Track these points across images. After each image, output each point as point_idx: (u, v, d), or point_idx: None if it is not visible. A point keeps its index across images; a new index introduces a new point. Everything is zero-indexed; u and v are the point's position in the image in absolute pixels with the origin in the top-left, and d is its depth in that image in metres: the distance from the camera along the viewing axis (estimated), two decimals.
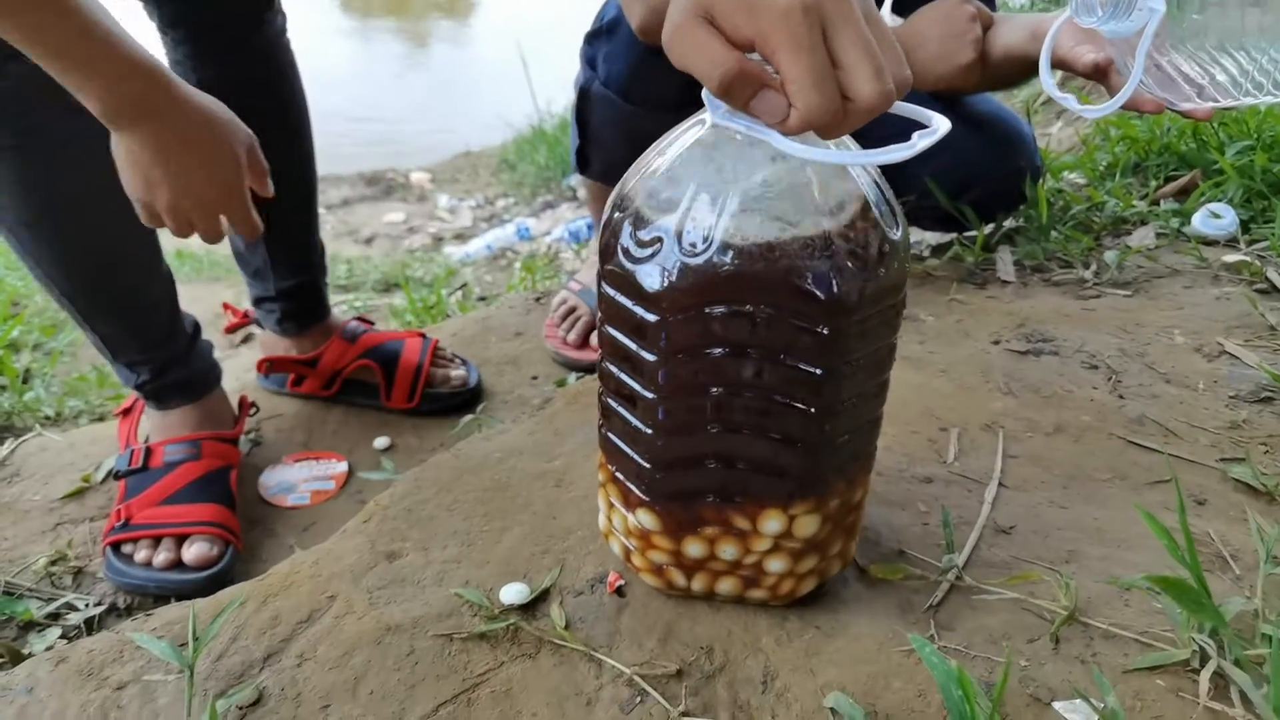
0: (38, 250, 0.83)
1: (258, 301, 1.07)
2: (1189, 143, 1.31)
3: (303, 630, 0.58)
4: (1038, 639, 0.54)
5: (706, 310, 0.46)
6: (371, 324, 1.14)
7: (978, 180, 1.08)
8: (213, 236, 0.75)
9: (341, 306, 2.27)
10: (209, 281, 2.61)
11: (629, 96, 1.01)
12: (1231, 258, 1.05)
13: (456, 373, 1.11)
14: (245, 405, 1.01)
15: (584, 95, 1.07)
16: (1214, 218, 1.12)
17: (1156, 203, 1.25)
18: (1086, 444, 0.74)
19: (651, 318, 0.47)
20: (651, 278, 0.46)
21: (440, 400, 1.08)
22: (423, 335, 1.14)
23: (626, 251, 0.48)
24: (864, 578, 0.60)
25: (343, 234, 3.98)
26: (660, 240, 0.46)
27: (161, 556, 0.83)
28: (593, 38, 1.04)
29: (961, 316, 0.97)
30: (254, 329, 1.13)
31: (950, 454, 0.73)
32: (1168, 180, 1.30)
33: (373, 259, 3.29)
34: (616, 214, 0.49)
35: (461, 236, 3.87)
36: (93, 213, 0.81)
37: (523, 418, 0.82)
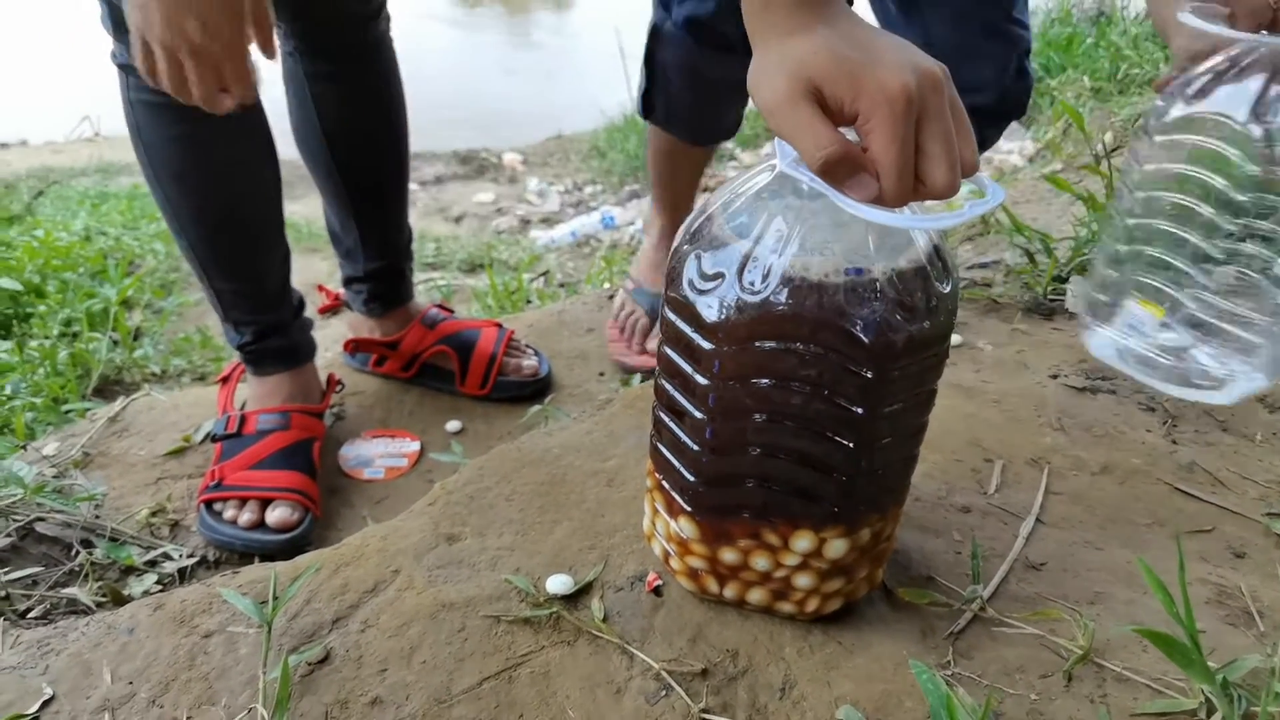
0: (179, 200, 0.90)
1: (348, 282, 1.15)
2: None
3: (368, 599, 0.64)
4: (1051, 675, 0.56)
5: (759, 344, 0.50)
6: (451, 311, 1.21)
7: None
8: (208, 96, 0.73)
9: (428, 284, 2.36)
10: (306, 252, 2.75)
11: (700, 37, 1.02)
12: None
13: (528, 363, 1.17)
14: (333, 382, 1.09)
15: (654, 34, 1.07)
16: None
17: (1244, 239, 1.22)
18: (1132, 487, 0.75)
19: (707, 346, 0.51)
20: (711, 310, 0.50)
21: (511, 389, 1.14)
22: (499, 325, 1.20)
23: (691, 283, 0.52)
24: (891, 599, 0.63)
25: (433, 211, 4.11)
26: (722, 276, 0.50)
27: (246, 517, 0.91)
28: None
29: (1023, 348, 0.98)
30: (344, 310, 1.21)
31: (992, 486, 0.75)
32: (1258, 216, 1.27)
33: (460, 238, 3.39)
34: (685, 245, 0.53)
35: (548, 221, 3.95)
36: (237, 178, 0.89)
37: (583, 416, 0.87)
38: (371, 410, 1.14)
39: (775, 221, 0.50)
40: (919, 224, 0.47)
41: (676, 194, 1.25)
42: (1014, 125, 3.57)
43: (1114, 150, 1.93)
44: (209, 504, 0.93)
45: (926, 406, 0.55)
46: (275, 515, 0.92)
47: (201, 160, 0.87)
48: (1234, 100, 0.76)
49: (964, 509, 0.72)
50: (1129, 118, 2.26)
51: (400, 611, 0.62)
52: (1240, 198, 0.78)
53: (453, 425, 1.11)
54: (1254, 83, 0.75)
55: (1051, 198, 1.99)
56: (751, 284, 0.49)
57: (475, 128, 4.97)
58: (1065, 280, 1.13)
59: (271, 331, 0.99)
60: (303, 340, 1.03)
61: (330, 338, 1.60)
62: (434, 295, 2.15)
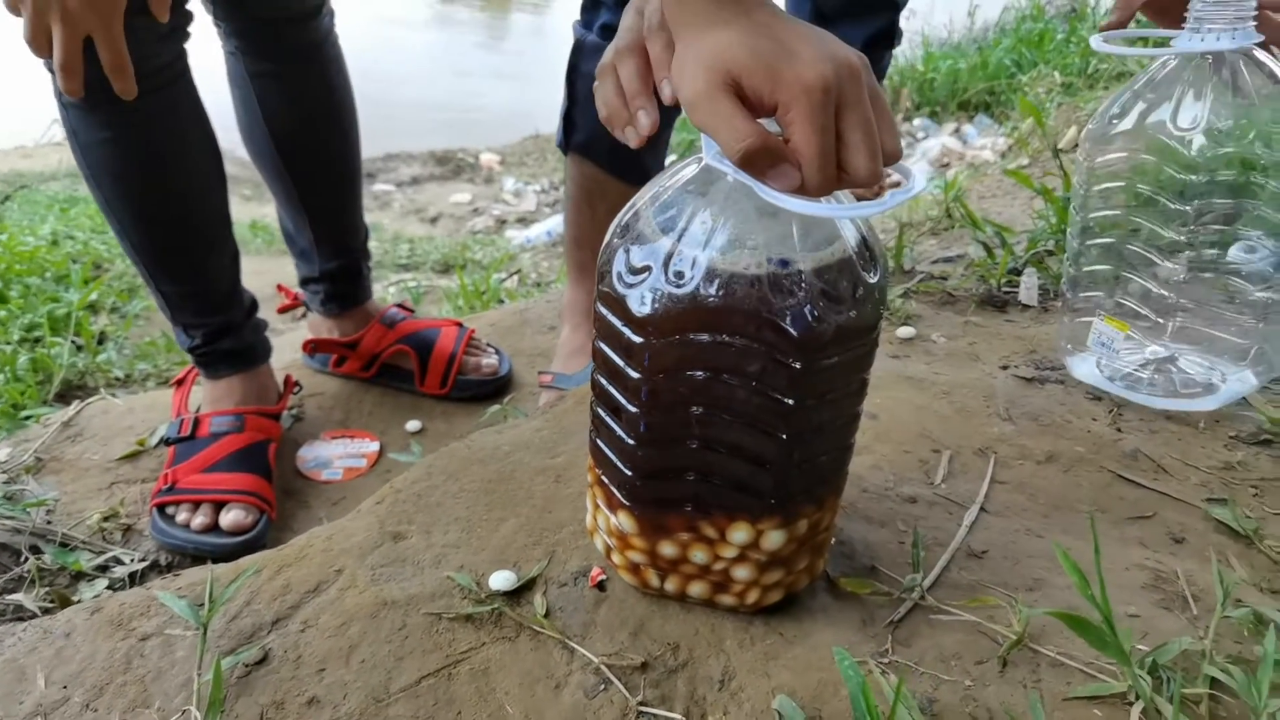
0: (117, 202, 0.89)
1: (304, 282, 1.14)
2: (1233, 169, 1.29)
3: (309, 599, 0.64)
4: (986, 661, 0.56)
5: (688, 336, 0.50)
6: (411, 311, 1.21)
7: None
8: (69, 63, 0.70)
9: (400, 286, 2.36)
10: (278, 255, 2.73)
11: None
12: (1263, 293, 1.04)
13: (488, 361, 1.17)
14: (290, 383, 1.08)
15: (577, 48, 1.03)
16: (1250, 250, 1.10)
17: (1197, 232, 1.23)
18: (1075, 475, 0.75)
19: (637, 339, 0.51)
20: (640, 303, 0.50)
21: (471, 387, 1.14)
22: (459, 324, 1.19)
23: (620, 276, 0.52)
24: (833, 590, 0.63)
25: (409, 212, 4.10)
26: (649, 268, 0.50)
27: (199, 520, 0.91)
28: (592, 6, 1.02)
29: (975, 339, 0.98)
30: (304, 310, 1.20)
31: (939, 476, 0.75)
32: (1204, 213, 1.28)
33: (436, 239, 3.38)
34: (615, 240, 0.53)
35: (524, 220, 3.95)
36: (175, 175, 0.88)
37: (535, 414, 0.87)
38: (331, 411, 1.14)
39: (701, 214, 0.50)
40: (842, 213, 0.47)
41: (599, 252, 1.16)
42: (986, 121, 3.60)
43: (1076, 146, 1.94)
44: (161, 508, 0.92)
45: (859, 396, 0.55)
46: (229, 518, 0.92)
47: (137, 160, 0.86)
48: (1162, 110, 0.77)
49: (910, 499, 0.73)
50: (1094, 112, 2.28)
51: (341, 611, 0.62)
52: (1184, 206, 0.79)
53: (412, 425, 1.11)
54: (1176, 90, 0.76)
55: (1017, 191, 2.01)
56: (678, 277, 0.49)
57: (452, 128, 4.96)
58: (1020, 273, 1.14)
59: (222, 333, 0.99)
60: (256, 341, 1.03)
61: (296, 340, 1.59)
62: (406, 297, 2.14)
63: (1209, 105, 0.75)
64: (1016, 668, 0.56)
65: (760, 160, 0.45)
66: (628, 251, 0.52)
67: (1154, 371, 0.84)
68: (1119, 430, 0.81)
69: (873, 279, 0.51)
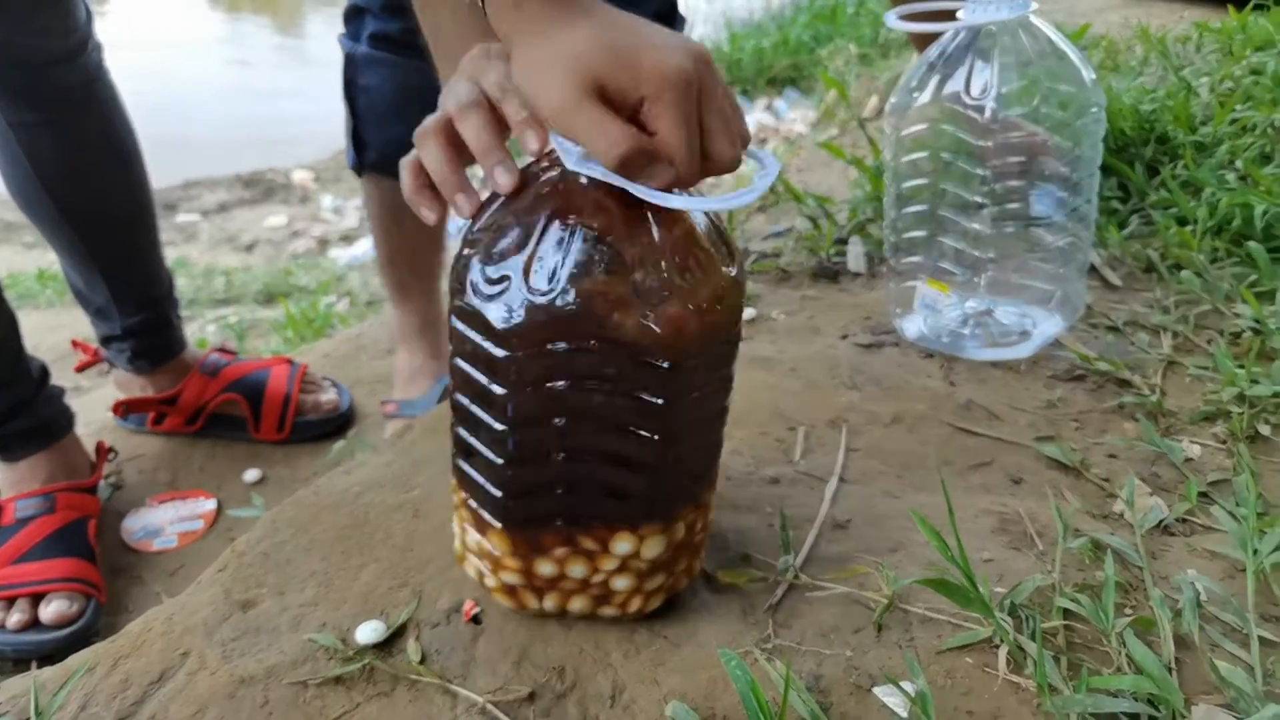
0: None
1: (105, 341, 1.04)
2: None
3: (154, 691, 0.58)
4: (863, 629, 0.58)
5: (553, 346, 0.48)
6: (234, 354, 1.12)
7: None
8: None
9: (220, 322, 2.20)
10: (72, 305, 2.49)
11: (397, 50, 0.93)
12: (1060, 242, 1.13)
13: (327, 398, 1.10)
14: (103, 451, 0.98)
15: (349, 62, 0.98)
16: (1045, 203, 1.19)
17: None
18: (920, 433, 0.79)
19: (500, 353, 0.49)
20: (500, 315, 0.48)
21: (312, 429, 1.07)
22: (289, 361, 1.12)
23: (475, 288, 0.49)
24: (712, 584, 0.63)
25: (220, 241, 3.84)
26: (508, 278, 0.48)
27: (16, 618, 0.81)
28: (355, 15, 0.98)
29: (813, 313, 1.01)
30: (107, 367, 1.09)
31: (797, 453, 0.77)
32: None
33: (254, 268, 3.18)
34: (467, 250, 0.51)
35: (348, 238, 3.78)
36: None
37: (383, 447, 0.82)
38: (155, 473, 1.04)
39: (558, 218, 0.48)
40: (710, 205, 0.47)
41: (418, 269, 1.05)
42: (795, 95, 3.75)
43: (880, 114, 2.05)
44: None
45: (726, 390, 0.56)
46: (50, 611, 0.82)
47: None
48: (956, 80, 0.82)
49: (773, 480, 0.74)
50: (890, 80, 2.41)
51: (193, 698, 0.57)
52: (983, 170, 0.84)
53: (251, 475, 1.03)
54: (967, 61, 0.81)
55: (832, 162, 2.10)
56: (539, 284, 0.47)
57: (258, 148, 4.67)
58: (846, 242, 1.19)
59: (13, 413, 0.88)
60: (54, 414, 0.92)
61: (105, 397, 1.45)
62: (227, 336, 2.00)
63: (997, 72, 0.80)
64: (891, 630, 0.58)
65: (636, 163, 0.44)
66: (482, 262, 0.49)
67: (975, 326, 0.89)
68: (952, 384, 0.85)
69: (732, 272, 0.51)
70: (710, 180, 0.49)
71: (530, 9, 0.47)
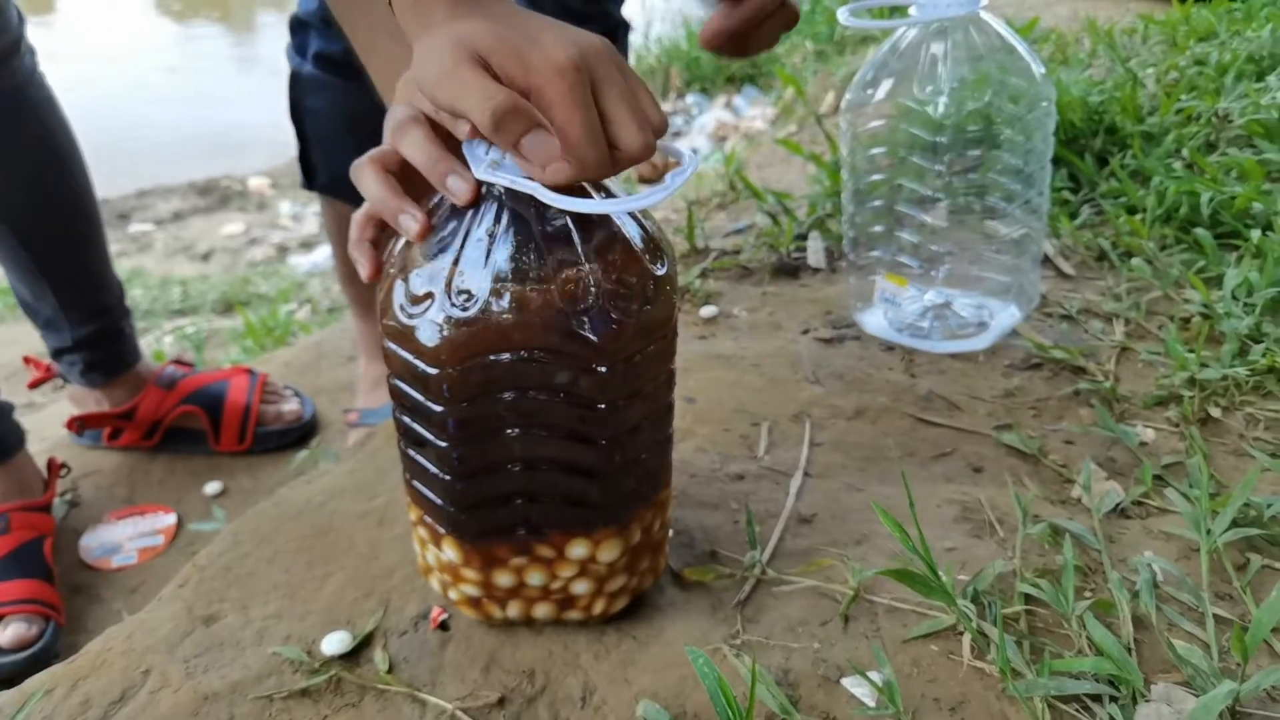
0: None
1: (57, 354, 1.02)
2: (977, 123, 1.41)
3: (116, 711, 0.57)
4: (830, 621, 0.58)
5: (485, 359, 0.48)
6: (191, 365, 1.10)
7: None
8: None
9: (176, 333, 2.16)
10: (24, 319, 2.43)
11: (343, 72, 0.91)
12: (1018, 233, 1.15)
13: (289, 407, 1.09)
14: (55, 468, 0.96)
15: (294, 81, 0.96)
16: (999, 195, 1.21)
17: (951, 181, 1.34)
18: (882, 425, 0.80)
19: (432, 371, 0.49)
20: (427, 333, 0.48)
21: (274, 439, 1.06)
22: (249, 371, 1.10)
23: (401, 309, 0.49)
24: (679, 582, 0.63)
25: (176, 251, 3.77)
26: (432, 295, 0.48)
27: None
28: (299, 27, 0.96)
29: (774, 309, 1.02)
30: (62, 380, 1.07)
31: (761, 448, 0.77)
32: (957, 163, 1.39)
33: (211, 277, 3.13)
34: (391, 270, 0.50)
35: (308, 245, 3.73)
36: None
37: (345, 455, 0.82)
38: (113, 489, 1.02)
39: (476, 230, 0.48)
40: (626, 205, 0.47)
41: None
42: (754, 92, 3.77)
43: (837, 110, 2.06)
44: None
45: (669, 387, 0.55)
46: (8, 634, 0.81)
47: None
48: (909, 77, 0.83)
49: (738, 476, 0.74)
50: (846, 76, 2.43)
51: (156, 717, 0.56)
52: (938, 165, 0.85)
53: (212, 488, 1.02)
54: (920, 57, 0.82)
55: (791, 158, 2.11)
56: (463, 299, 0.47)
57: (213, 155, 4.59)
58: (805, 237, 1.19)
59: None
60: (3, 432, 0.90)
61: (58, 413, 1.42)
62: (185, 347, 1.96)
63: (949, 68, 0.81)
64: (857, 621, 0.58)
65: (512, 124, 0.43)
66: (405, 281, 0.49)
67: (933, 318, 0.90)
68: (913, 376, 0.86)
69: (661, 270, 0.51)
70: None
71: (428, 6, 0.47)
